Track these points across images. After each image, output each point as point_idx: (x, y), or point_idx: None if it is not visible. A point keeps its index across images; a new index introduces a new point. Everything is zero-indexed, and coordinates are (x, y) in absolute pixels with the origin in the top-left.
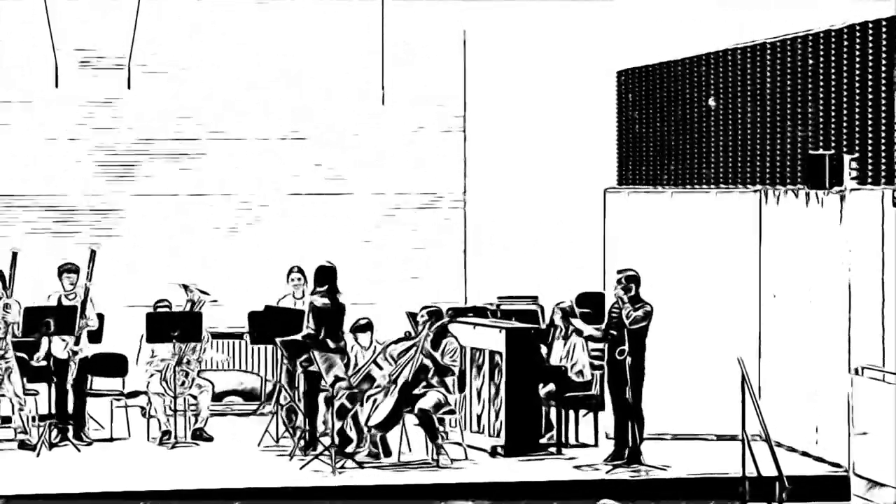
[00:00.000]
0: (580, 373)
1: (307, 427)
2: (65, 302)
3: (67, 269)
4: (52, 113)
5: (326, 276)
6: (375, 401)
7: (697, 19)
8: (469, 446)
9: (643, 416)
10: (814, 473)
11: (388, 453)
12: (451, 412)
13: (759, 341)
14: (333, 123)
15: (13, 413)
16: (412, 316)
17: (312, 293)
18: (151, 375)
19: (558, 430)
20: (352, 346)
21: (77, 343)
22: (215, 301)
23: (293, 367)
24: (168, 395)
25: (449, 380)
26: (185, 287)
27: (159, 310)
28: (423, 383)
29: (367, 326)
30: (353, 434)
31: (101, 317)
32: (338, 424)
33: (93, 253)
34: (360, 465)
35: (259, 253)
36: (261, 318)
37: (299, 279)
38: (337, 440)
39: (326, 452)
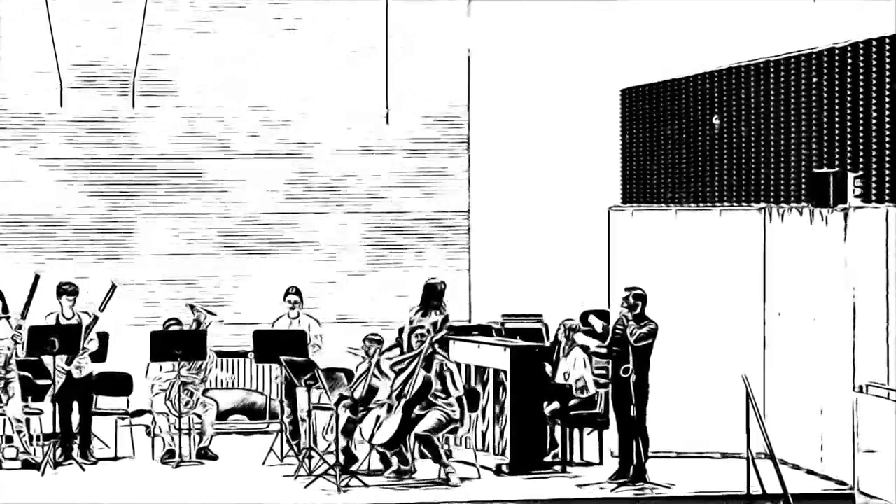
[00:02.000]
0: (583, 388)
1: (311, 445)
2: (63, 322)
3: (68, 290)
4: (57, 131)
5: (433, 292)
6: (378, 418)
7: (701, 37)
8: (472, 464)
9: (648, 433)
10: (819, 491)
11: (389, 465)
12: (455, 430)
13: (763, 359)
14: (338, 141)
15: (13, 434)
16: (401, 332)
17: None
18: (156, 394)
19: (563, 448)
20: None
21: (68, 363)
22: (222, 321)
23: (298, 385)
24: (172, 415)
25: (454, 397)
26: (192, 307)
27: (171, 328)
28: (426, 401)
29: (380, 341)
30: (358, 453)
31: (105, 336)
32: (343, 442)
33: (113, 288)
34: (365, 484)
35: (263, 271)
36: (265, 337)
37: (296, 301)
38: (342, 458)
39: (331, 471)
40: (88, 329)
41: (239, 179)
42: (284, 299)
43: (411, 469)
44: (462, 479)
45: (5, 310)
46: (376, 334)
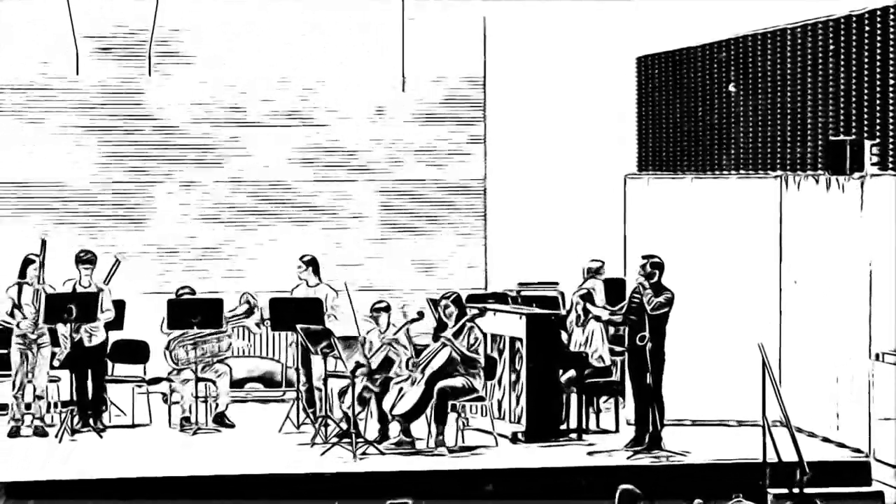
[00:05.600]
0: (600, 358)
1: (327, 412)
2: (79, 290)
3: (85, 259)
4: (73, 100)
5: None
6: (401, 389)
7: (718, 5)
8: (488, 432)
9: (664, 401)
10: (834, 459)
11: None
12: (480, 399)
13: (779, 327)
14: (354, 110)
15: (33, 401)
16: (434, 303)
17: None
18: (172, 350)
19: (579, 417)
20: (368, 331)
21: (77, 331)
22: (265, 321)
23: (314, 352)
24: (188, 368)
25: (479, 369)
26: (249, 295)
27: (183, 296)
28: (450, 376)
29: (387, 308)
30: (367, 422)
31: (121, 304)
32: (357, 410)
33: (116, 262)
34: (382, 452)
35: (278, 239)
36: (281, 304)
37: (298, 267)
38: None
39: (347, 439)
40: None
41: (254, 148)
42: (308, 266)
43: (414, 440)
44: (450, 451)
45: (22, 275)
46: (382, 301)
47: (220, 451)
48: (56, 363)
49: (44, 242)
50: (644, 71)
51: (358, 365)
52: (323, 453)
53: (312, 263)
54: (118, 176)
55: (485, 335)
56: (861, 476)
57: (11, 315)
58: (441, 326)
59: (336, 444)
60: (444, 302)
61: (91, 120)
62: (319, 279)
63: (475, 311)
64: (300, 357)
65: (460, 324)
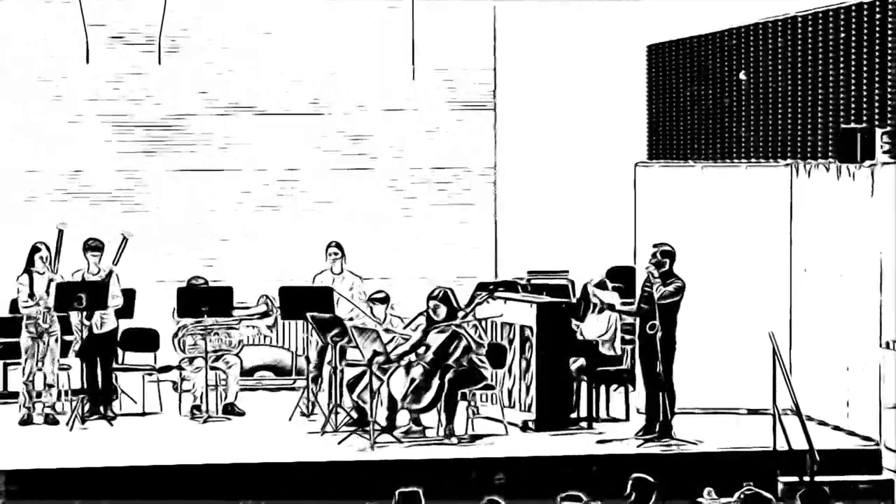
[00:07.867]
0: (612, 347)
1: (338, 402)
2: (89, 278)
3: (93, 246)
4: (83, 88)
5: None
6: (414, 380)
7: None
8: (498, 420)
9: (674, 390)
10: (845, 447)
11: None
12: (490, 387)
13: (790, 315)
14: (363, 98)
15: (44, 389)
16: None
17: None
18: (180, 338)
19: (589, 405)
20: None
21: (89, 319)
22: (272, 327)
23: (323, 341)
24: (198, 356)
25: (482, 353)
26: (268, 297)
27: (196, 285)
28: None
29: (385, 300)
30: (378, 411)
31: (132, 292)
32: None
33: (124, 240)
34: (399, 440)
35: (290, 228)
36: (292, 293)
37: (336, 254)
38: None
39: (364, 427)
40: (107, 283)
41: (264, 138)
42: (326, 254)
43: (424, 428)
44: (459, 440)
45: (30, 263)
46: (381, 291)
47: (231, 439)
48: (72, 352)
49: (60, 232)
50: (655, 59)
51: (375, 353)
52: (340, 442)
53: (341, 248)
54: (128, 165)
55: (483, 321)
56: (871, 464)
57: (26, 303)
58: (430, 322)
59: (350, 434)
60: (432, 303)
61: (101, 108)
62: (343, 267)
63: (484, 295)
64: (316, 345)
65: (468, 309)
